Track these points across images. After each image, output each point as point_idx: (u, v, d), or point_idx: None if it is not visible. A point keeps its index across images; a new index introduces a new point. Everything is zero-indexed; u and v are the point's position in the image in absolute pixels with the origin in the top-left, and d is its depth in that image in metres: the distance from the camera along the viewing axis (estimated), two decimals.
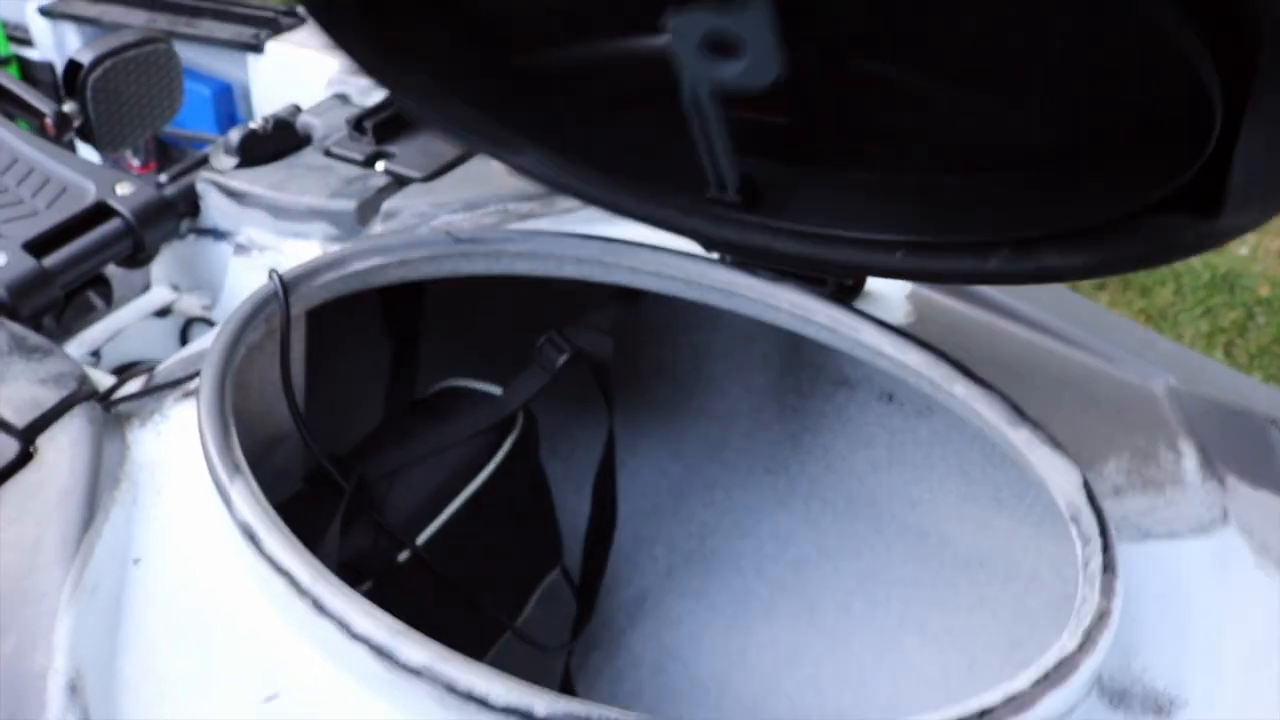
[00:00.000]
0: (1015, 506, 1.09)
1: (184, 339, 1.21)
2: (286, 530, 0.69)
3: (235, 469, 0.73)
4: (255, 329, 0.88)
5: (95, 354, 1.16)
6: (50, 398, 0.83)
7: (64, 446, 0.79)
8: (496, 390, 1.03)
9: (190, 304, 1.21)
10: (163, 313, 1.22)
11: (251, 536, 0.69)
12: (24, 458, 0.78)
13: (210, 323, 1.19)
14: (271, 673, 0.67)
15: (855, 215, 0.81)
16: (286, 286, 0.88)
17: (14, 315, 1.00)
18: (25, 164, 1.12)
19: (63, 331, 1.14)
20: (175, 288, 1.22)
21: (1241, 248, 2.47)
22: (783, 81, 0.66)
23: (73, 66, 1.17)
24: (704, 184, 0.82)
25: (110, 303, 1.18)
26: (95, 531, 0.73)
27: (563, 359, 0.97)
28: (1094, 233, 0.71)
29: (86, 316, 1.17)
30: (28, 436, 0.80)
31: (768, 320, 0.91)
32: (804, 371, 1.24)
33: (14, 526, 0.73)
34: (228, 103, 1.60)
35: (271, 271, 0.89)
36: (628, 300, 0.99)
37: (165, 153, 1.75)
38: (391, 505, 0.94)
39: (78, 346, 1.15)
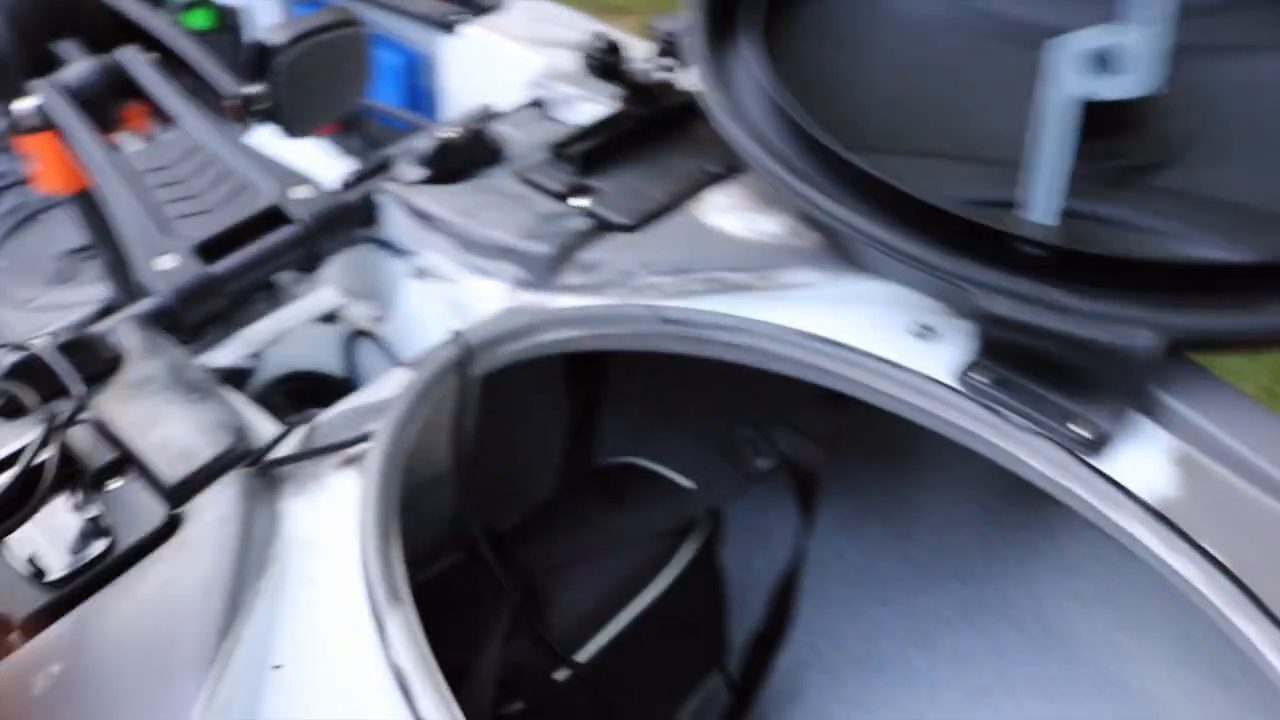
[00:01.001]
0: (1242, 689, 0.94)
1: (349, 351, 1.13)
2: (440, 683, 0.61)
3: (395, 598, 0.64)
4: (434, 395, 0.79)
5: (256, 355, 1.09)
6: (204, 451, 0.75)
7: (212, 521, 0.71)
8: (683, 482, 0.92)
9: (360, 314, 1.13)
10: (328, 317, 1.14)
11: (403, 685, 0.61)
12: (170, 527, 0.71)
13: (376, 339, 1.11)
14: None
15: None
16: (470, 355, 0.79)
17: (178, 323, 0.93)
18: (206, 155, 1.04)
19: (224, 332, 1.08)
20: (343, 292, 1.15)
21: None
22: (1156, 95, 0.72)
23: (261, 48, 1.08)
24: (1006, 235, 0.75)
25: (275, 305, 1.10)
26: (235, 637, 0.65)
27: (766, 465, 0.86)
28: None
29: (250, 315, 1.10)
30: (177, 497, 0.72)
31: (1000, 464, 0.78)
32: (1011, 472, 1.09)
33: (150, 618, 0.66)
34: (416, 76, 1.51)
35: (456, 335, 0.79)
36: (842, 406, 0.86)
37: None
38: (555, 609, 0.84)
39: (239, 347, 1.08)
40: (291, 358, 1.11)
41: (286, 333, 1.11)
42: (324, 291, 1.15)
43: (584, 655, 0.84)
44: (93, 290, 1.51)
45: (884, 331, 0.83)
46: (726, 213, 0.95)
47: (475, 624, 0.81)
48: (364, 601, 0.66)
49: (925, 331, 0.83)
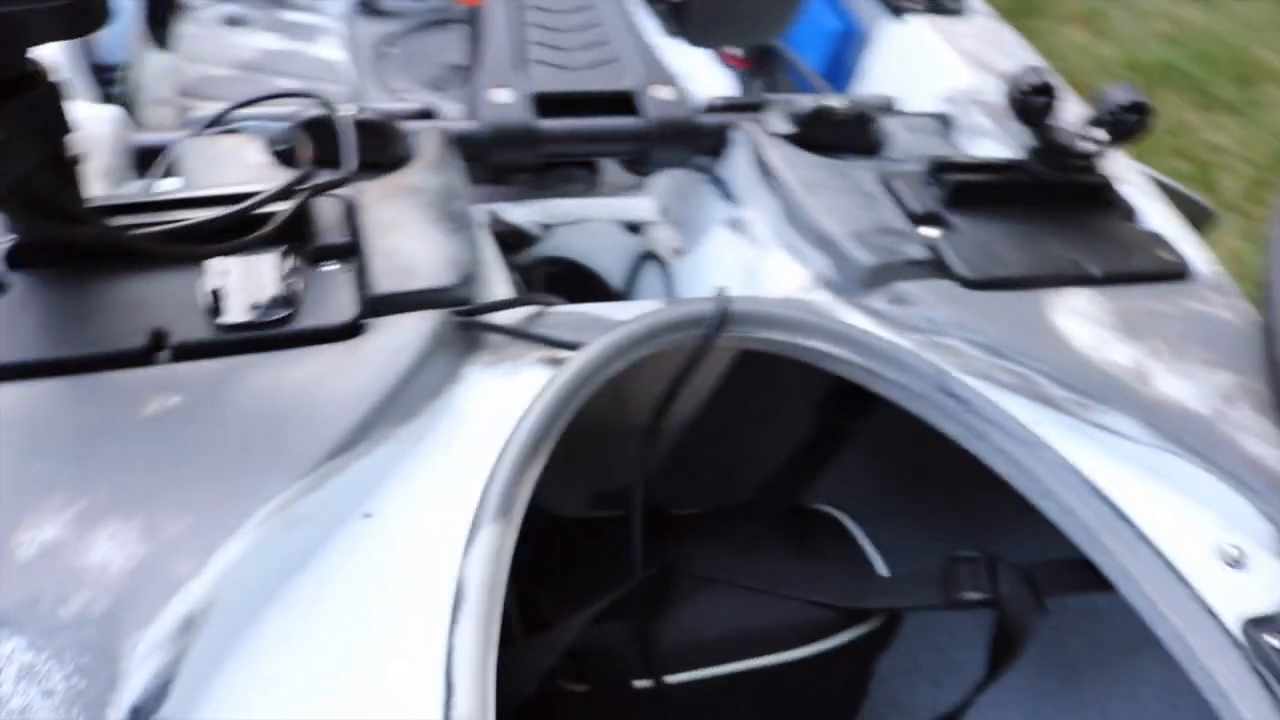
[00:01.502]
0: None
1: (635, 268, 1.07)
2: (493, 614, 0.54)
3: (503, 513, 0.57)
4: (664, 342, 0.70)
5: (547, 227, 1.05)
6: (424, 278, 0.70)
7: (390, 346, 0.66)
8: (880, 565, 0.80)
9: (663, 238, 1.06)
10: (633, 227, 1.08)
11: (458, 598, 0.53)
12: (351, 330, 0.66)
13: (664, 268, 1.04)
14: None
15: None
16: (722, 319, 0.70)
17: (482, 156, 0.89)
18: (593, 16, 1.00)
19: (533, 190, 1.04)
20: (658, 209, 1.08)
21: None
22: None
23: None
24: None
25: (591, 188, 1.05)
26: (343, 464, 0.60)
27: (975, 598, 0.72)
28: None
29: (564, 186, 1.05)
30: (374, 308, 0.68)
31: None
32: None
33: (280, 402, 0.61)
34: (846, 48, 1.42)
35: (720, 294, 0.70)
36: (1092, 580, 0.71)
37: (765, 56, 1.61)
38: (675, 619, 0.75)
39: (535, 212, 1.04)
40: (577, 246, 1.06)
41: (586, 221, 1.06)
42: (642, 201, 1.10)
43: (675, 678, 0.74)
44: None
45: (1187, 535, 0.67)
46: (1080, 320, 0.80)
47: (586, 586, 0.73)
48: (473, 501, 0.59)
49: (1234, 557, 0.66)
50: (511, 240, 1.02)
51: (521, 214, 1.03)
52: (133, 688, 0.48)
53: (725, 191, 0.98)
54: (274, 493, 0.56)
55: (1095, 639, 1.06)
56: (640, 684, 0.74)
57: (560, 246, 1.05)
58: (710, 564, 0.79)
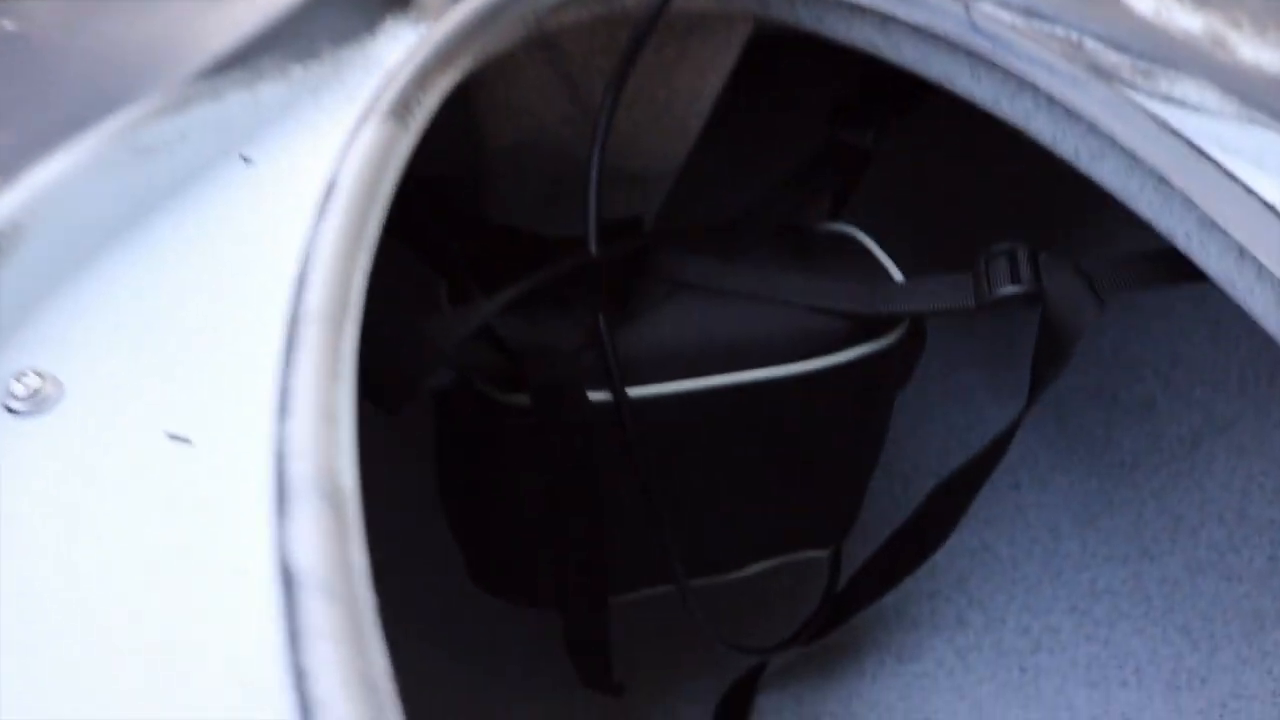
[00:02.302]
0: None
1: None
2: (369, 220, 0.43)
3: (396, 110, 0.45)
4: None
5: None
6: None
7: None
8: (894, 270, 0.68)
9: None
10: None
11: (330, 190, 0.42)
12: None
13: None
14: None
15: None
16: None
17: None
18: None
19: None
20: None
21: None
22: None
23: None
24: None
25: None
26: (221, 85, 0.48)
27: (1012, 293, 0.59)
28: None
29: None
30: None
31: None
32: None
33: (139, 22, 0.50)
34: None
35: None
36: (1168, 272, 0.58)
37: None
38: (641, 322, 0.63)
39: None
40: None
41: None
42: None
43: (640, 391, 0.62)
44: None
45: None
46: None
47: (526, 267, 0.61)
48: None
49: None
50: None
51: None
52: None
53: None
54: (119, 107, 0.45)
55: (1152, 433, 0.93)
56: (595, 397, 0.61)
57: None
58: (690, 270, 0.66)
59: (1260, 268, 0.50)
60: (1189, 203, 0.53)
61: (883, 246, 0.72)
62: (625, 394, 0.60)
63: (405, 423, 0.57)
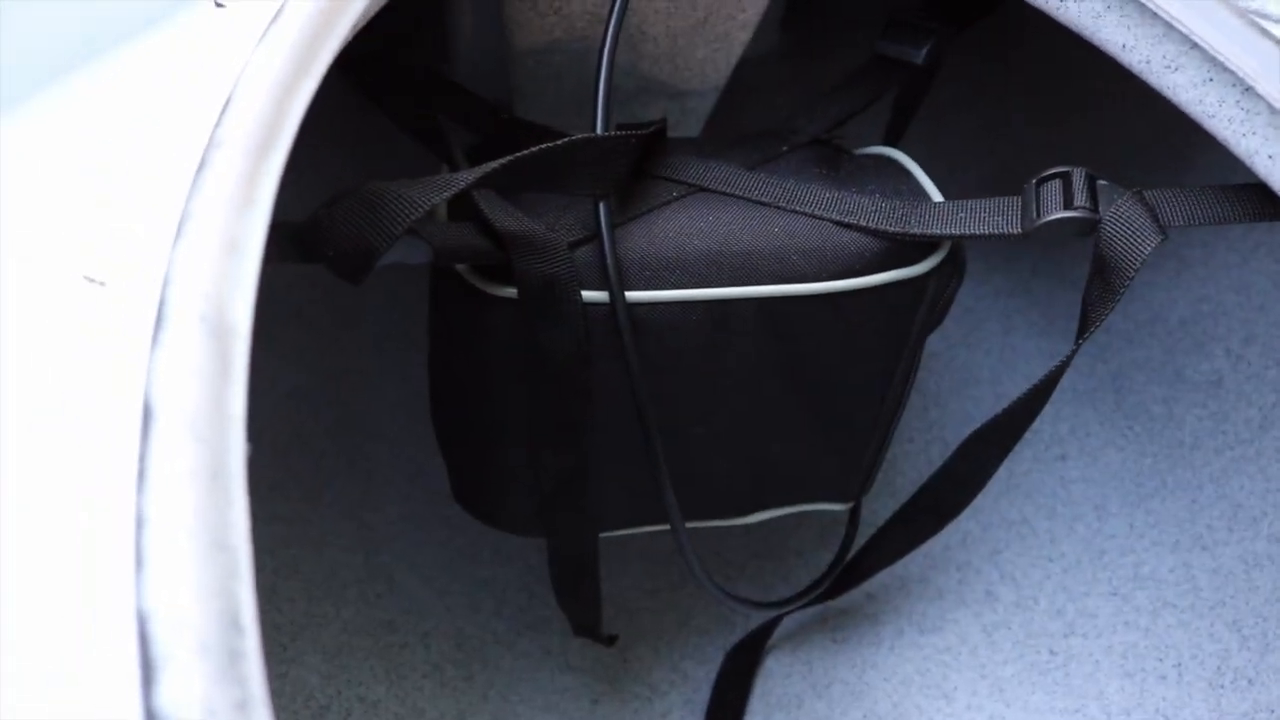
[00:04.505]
0: None
1: None
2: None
3: None
4: None
5: None
6: None
7: None
8: (934, 190, 0.62)
9: None
10: None
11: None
12: None
13: None
14: None
15: None
16: None
17: None
18: None
19: None
20: None
21: None
22: None
23: None
24: None
25: None
26: None
27: (1064, 216, 0.53)
28: None
29: None
30: None
31: None
32: None
33: None
34: None
35: None
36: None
37: None
38: (648, 223, 0.58)
39: None
40: None
41: None
42: None
43: (640, 295, 0.57)
44: None
45: None
46: None
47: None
48: None
49: None
50: None
51: None
52: None
53: None
54: None
55: (1217, 414, 0.86)
56: (590, 297, 0.56)
57: None
58: (709, 174, 0.60)
59: None
60: (1277, 117, 0.46)
61: (931, 176, 0.66)
62: (622, 293, 0.55)
63: None
